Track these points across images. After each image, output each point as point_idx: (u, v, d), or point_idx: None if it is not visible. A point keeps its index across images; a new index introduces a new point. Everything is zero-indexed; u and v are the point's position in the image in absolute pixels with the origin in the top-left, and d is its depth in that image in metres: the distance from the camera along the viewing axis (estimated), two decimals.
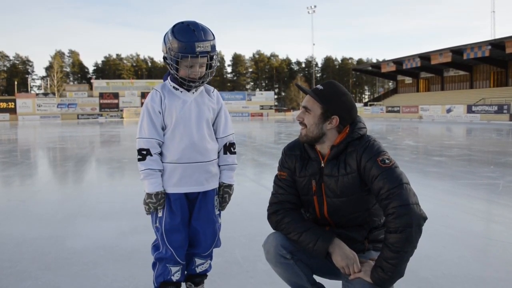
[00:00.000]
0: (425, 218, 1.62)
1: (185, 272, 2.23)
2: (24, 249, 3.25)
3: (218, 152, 2.20)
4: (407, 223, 1.57)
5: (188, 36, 1.94)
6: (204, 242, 2.15)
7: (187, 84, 2.03)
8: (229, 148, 2.20)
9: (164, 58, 2.07)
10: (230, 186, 2.21)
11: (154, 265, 2.16)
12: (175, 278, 2.12)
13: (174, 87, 2.09)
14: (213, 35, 2.00)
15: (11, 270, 2.81)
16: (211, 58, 2.02)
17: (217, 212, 2.19)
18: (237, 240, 3.39)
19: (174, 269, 2.11)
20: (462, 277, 2.65)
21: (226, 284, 2.57)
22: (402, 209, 1.58)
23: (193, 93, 2.10)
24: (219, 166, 2.20)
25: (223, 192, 2.20)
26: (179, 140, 2.05)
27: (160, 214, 2.08)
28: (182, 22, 2.00)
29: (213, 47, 1.99)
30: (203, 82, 2.07)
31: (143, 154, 2.01)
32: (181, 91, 2.08)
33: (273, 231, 1.92)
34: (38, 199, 5.40)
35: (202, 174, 2.09)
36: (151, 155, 2.02)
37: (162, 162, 2.07)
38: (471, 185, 6.00)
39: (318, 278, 1.94)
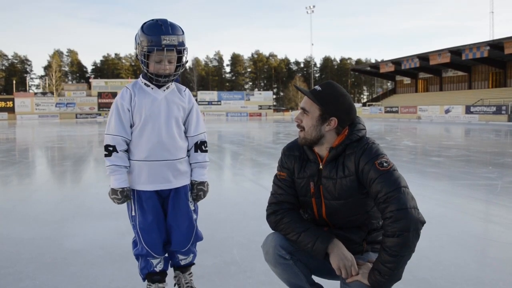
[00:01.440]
0: (423, 222, 1.60)
1: (170, 262, 2.31)
2: (22, 249, 3.24)
3: (189, 151, 2.21)
4: (405, 227, 1.56)
5: (155, 30, 1.98)
6: (180, 238, 2.18)
7: (155, 79, 2.05)
8: (200, 146, 2.21)
9: (136, 55, 2.10)
10: (203, 183, 2.22)
11: (137, 258, 2.23)
12: (158, 268, 2.21)
13: (145, 84, 2.12)
14: (182, 31, 2.03)
15: (8, 270, 2.80)
16: (179, 52, 2.04)
17: (192, 208, 2.22)
18: (236, 240, 3.39)
19: (155, 261, 2.20)
20: (460, 277, 2.66)
21: (224, 284, 2.56)
22: (399, 213, 1.57)
23: (164, 90, 2.12)
24: (190, 164, 2.22)
25: (197, 190, 2.21)
26: (147, 139, 2.08)
27: (133, 213, 2.13)
28: (152, 19, 2.04)
29: (181, 43, 2.02)
30: (173, 78, 2.08)
31: (109, 150, 2.06)
32: (152, 88, 2.11)
33: (272, 231, 1.92)
34: (36, 198, 5.39)
35: (170, 172, 2.11)
36: (117, 151, 2.06)
37: (131, 160, 2.10)
38: (469, 185, 6.00)
39: (317, 279, 1.93)
